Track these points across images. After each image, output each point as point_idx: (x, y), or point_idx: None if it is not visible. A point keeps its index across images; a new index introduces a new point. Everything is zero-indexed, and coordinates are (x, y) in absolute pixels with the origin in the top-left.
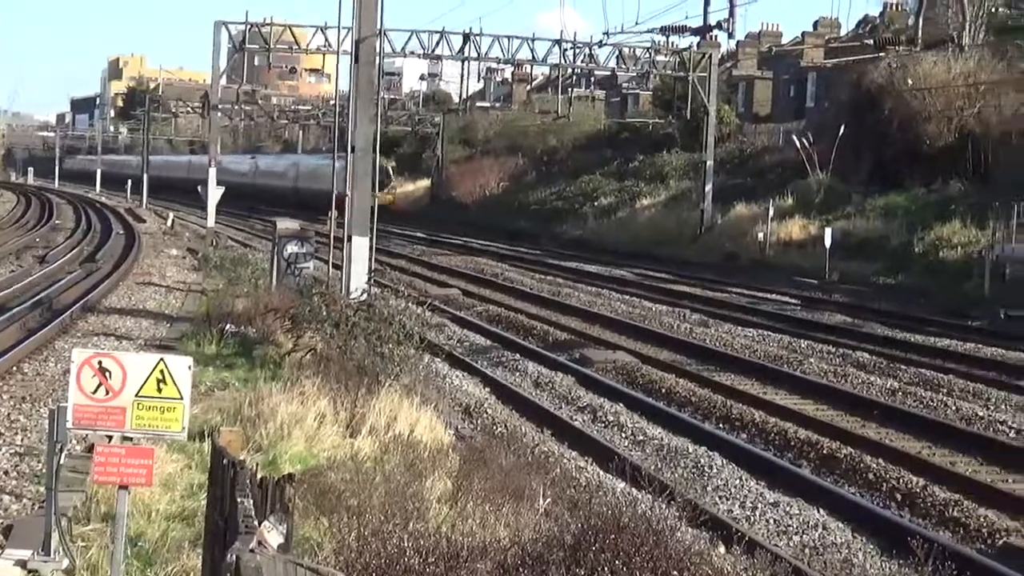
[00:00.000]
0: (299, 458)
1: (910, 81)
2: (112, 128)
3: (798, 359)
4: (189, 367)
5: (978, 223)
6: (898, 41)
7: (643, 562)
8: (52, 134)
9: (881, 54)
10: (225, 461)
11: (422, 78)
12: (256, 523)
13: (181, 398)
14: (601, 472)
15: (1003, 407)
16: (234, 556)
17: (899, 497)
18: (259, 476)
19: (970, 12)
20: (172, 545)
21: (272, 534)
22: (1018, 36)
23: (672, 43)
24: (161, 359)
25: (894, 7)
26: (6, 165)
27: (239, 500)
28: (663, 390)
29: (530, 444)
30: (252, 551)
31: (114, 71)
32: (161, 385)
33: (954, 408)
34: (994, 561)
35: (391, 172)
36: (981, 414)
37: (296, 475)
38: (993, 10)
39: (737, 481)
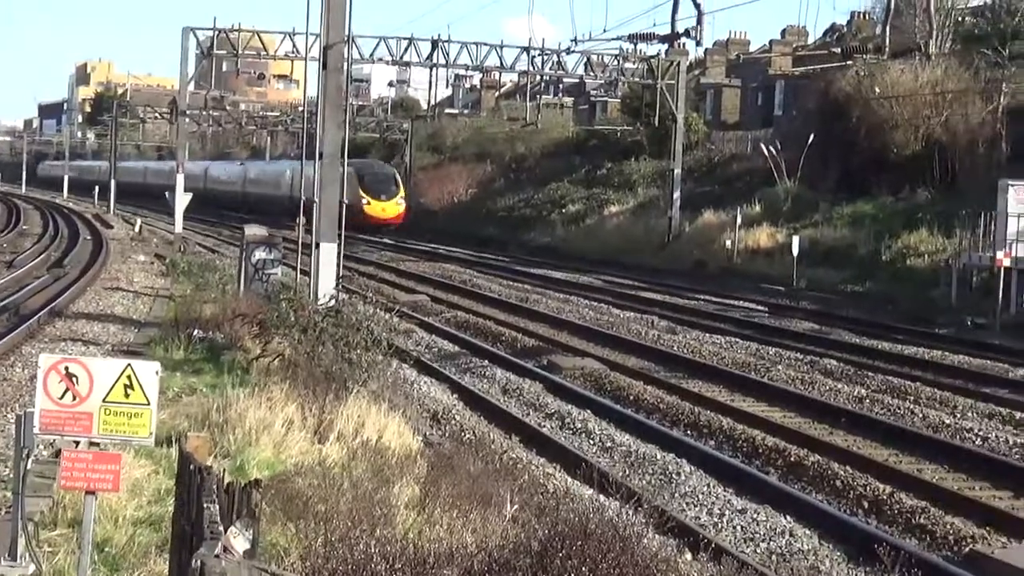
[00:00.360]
0: (267, 464)
1: (877, 89)
2: (80, 134)
3: (766, 366)
4: (156, 372)
5: (945, 231)
6: (865, 49)
7: (610, 568)
8: (20, 139)
9: (848, 62)
10: (192, 467)
11: (390, 84)
12: (222, 528)
13: (148, 404)
14: (569, 479)
15: (970, 415)
16: (199, 561)
17: (866, 504)
18: (226, 482)
19: (937, 21)
20: (139, 550)
21: (238, 540)
22: (984, 45)
23: (640, 50)
24: (128, 364)
25: (861, 15)
26: None
27: (205, 505)
28: (631, 397)
29: (498, 451)
30: (217, 556)
31: (82, 76)
32: (128, 391)
33: (921, 416)
34: (960, 568)
35: (398, 180)
36: (948, 422)
37: (263, 481)
38: (960, 19)
39: (705, 488)
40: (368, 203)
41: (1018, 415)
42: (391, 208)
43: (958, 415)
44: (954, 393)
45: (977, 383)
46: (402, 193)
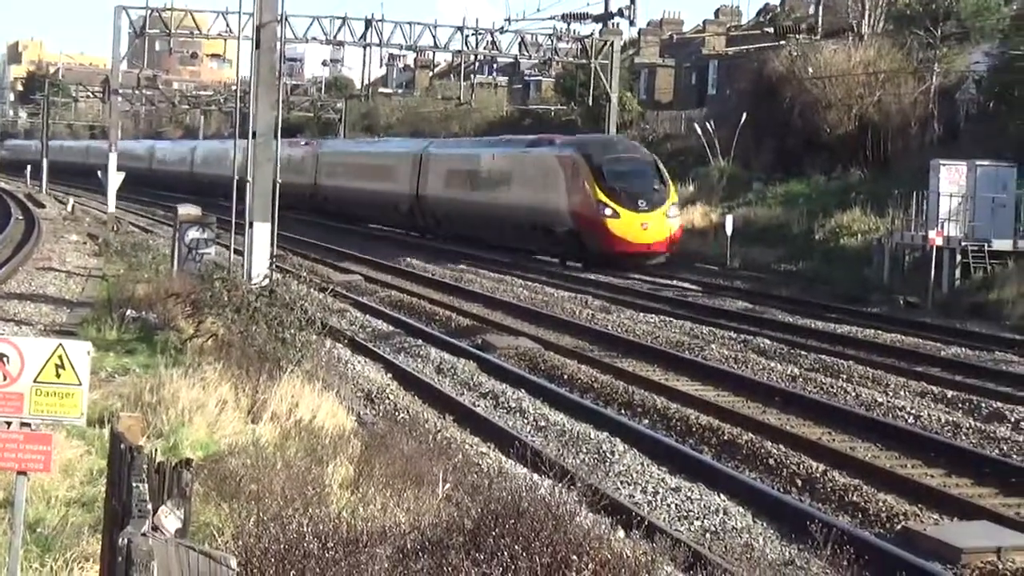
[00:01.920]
0: (200, 444)
1: (810, 69)
2: (12, 113)
3: (700, 345)
4: (88, 352)
5: (878, 211)
6: (798, 29)
7: (542, 546)
8: None
9: (782, 42)
10: (123, 446)
11: (324, 64)
12: (151, 507)
13: (80, 384)
14: (503, 458)
15: (902, 393)
16: (126, 540)
17: (799, 482)
18: (157, 461)
19: (869, 1)
20: (72, 531)
21: (169, 519)
22: (916, 25)
23: (574, 30)
24: (60, 344)
25: None
26: None
27: (135, 484)
28: (565, 376)
29: (432, 430)
30: (144, 535)
31: (13, 55)
32: (60, 371)
33: (854, 394)
34: (892, 545)
35: (665, 175)
36: (880, 400)
37: (194, 460)
38: (892, 0)
39: (639, 466)
40: (614, 215)
41: (950, 393)
42: (657, 226)
43: (890, 393)
44: (886, 371)
45: (909, 361)
46: (673, 197)
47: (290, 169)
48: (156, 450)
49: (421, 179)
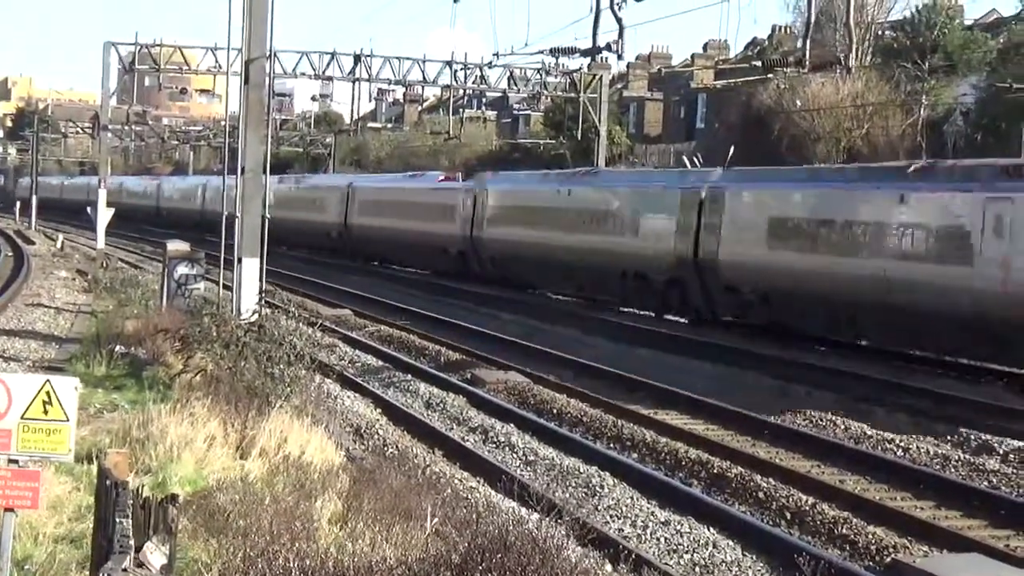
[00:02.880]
0: (189, 480)
1: (799, 102)
2: (1, 149)
3: (689, 379)
4: (75, 388)
5: None
6: (786, 63)
7: None
8: None
9: (770, 76)
10: (108, 482)
11: (313, 99)
12: (133, 543)
13: (67, 420)
14: (492, 492)
15: (892, 426)
16: (107, 575)
17: (789, 515)
18: (144, 497)
19: (857, 35)
20: (60, 568)
21: (155, 555)
22: (904, 58)
23: (562, 64)
24: (47, 380)
25: (782, 29)
26: None
27: (118, 520)
28: (554, 410)
29: (421, 464)
30: (125, 570)
31: (2, 91)
32: (47, 407)
33: (843, 427)
34: None
35: None
36: (869, 433)
37: (180, 496)
38: (880, 33)
39: (628, 500)
40: None
41: (939, 426)
42: None
43: (879, 426)
44: (875, 404)
45: (898, 394)
46: None
47: (416, 213)
48: (143, 486)
49: (705, 232)
